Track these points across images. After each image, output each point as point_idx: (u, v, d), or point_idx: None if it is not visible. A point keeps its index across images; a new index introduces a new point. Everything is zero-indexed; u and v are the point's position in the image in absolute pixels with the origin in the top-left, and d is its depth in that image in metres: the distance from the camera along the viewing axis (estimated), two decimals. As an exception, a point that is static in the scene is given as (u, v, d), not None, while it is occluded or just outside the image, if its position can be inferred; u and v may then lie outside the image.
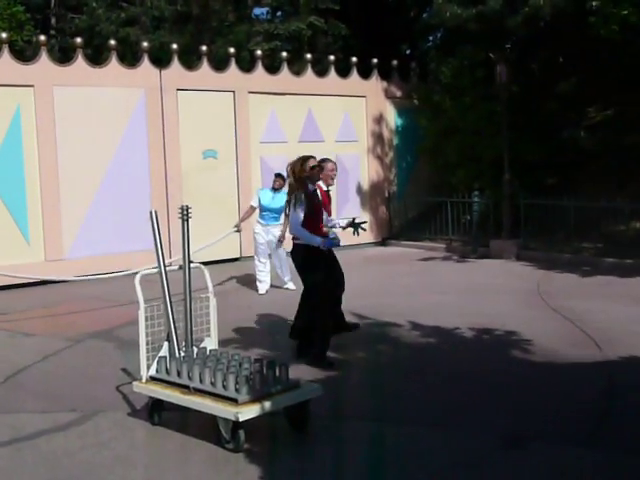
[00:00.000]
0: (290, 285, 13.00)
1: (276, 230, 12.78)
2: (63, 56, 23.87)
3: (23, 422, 6.85)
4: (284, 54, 18.35)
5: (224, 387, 6.09)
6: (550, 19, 17.09)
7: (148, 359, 6.70)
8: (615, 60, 17.53)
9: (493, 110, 17.85)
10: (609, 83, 18.15)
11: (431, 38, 24.24)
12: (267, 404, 6.02)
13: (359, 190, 19.12)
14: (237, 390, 6.02)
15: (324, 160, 9.11)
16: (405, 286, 13.19)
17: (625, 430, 6.34)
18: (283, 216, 12.76)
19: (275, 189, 12.76)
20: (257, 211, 12.99)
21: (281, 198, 12.70)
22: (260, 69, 17.57)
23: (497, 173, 17.40)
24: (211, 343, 7.06)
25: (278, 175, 12.74)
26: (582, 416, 6.66)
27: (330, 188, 9.32)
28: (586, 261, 15.15)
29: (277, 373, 6.29)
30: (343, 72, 18.94)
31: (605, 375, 7.87)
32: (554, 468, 5.60)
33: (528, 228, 16.84)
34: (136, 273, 6.95)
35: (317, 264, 8.42)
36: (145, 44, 16.52)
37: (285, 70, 17.94)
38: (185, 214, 6.91)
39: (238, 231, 13.55)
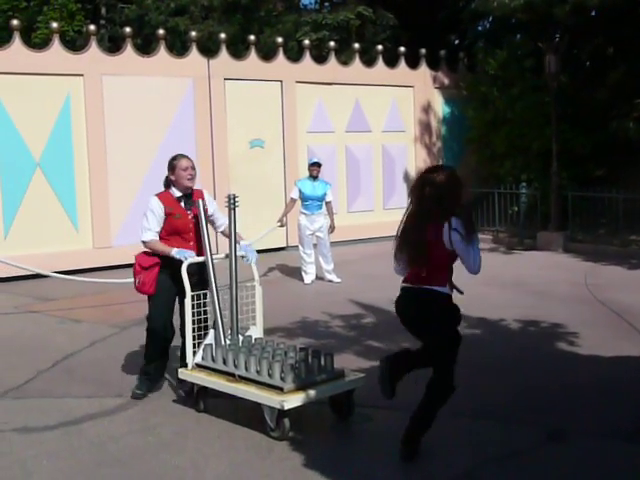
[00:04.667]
0: (334, 278, 13.01)
1: (321, 218, 12.86)
2: (113, 46, 24.06)
3: (70, 407, 6.95)
4: (332, 44, 18.35)
5: (269, 375, 6.12)
6: (599, 8, 16.89)
7: (194, 346, 6.75)
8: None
9: (542, 101, 17.71)
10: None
11: (480, 28, 24.05)
12: (312, 393, 6.04)
13: (406, 180, 19.06)
14: (282, 378, 6.05)
15: (176, 157, 7.11)
16: (451, 277, 13.12)
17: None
18: (324, 204, 12.90)
19: (314, 177, 12.83)
20: (299, 202, 13.01)
21: (321, 186, 12.82)
22: (308, 59, 17.58)
23: (545, 164, 17.28)
24: (256, 331, 7.09)
25: (315, 164, 12.88)
26: (627, 411, 6.59)
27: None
28: (634, 253, 14.99)
29: (322, 362, 6.31)
30: (391, 62, 18.89)
31: (653, 369, 7.80)
32: (596, 462, 5.56)
33: (576, 220, 16.70)
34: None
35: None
36: (194, 34, 16.61)
37: (333, 60, 17.93)
38: (232, 203, 6.95)
39: (282, 226, 13.56)
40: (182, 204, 7.03)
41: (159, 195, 7.03)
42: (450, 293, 5.69)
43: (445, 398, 5.67)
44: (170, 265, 6.87)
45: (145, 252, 7.03)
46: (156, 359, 7.19)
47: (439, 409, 5.67)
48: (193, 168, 7.05)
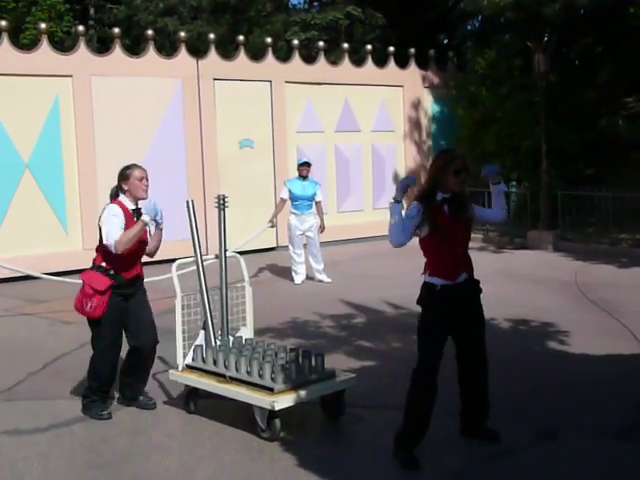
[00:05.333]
0: (324, 278, 13.01)
1: (311, 218, 12.86)
2: (101, 46, 24.02)
3: (61, 408, 6.94)
4: (321, 44, 18.34)
5: (260, 376, 6.12)
6: (588, 7, 16.92)
7: (184, 348, 6.74)
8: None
9: (531, 100, 17.73)
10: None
11: (469, 27, 24.08)
12: (303, 393, 6.04)
13: (395, 179, 19.07)
14: (273, 379, 6.05)
15: (130, 167, 6.79)
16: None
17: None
18: (314, 204, 12.90)
19: (304, 177, 12.83)
20: (288, 203, 13.00)
21: (311, 185, 12.82)
22: (297, 59, 17.58)
23: (535, 163, 17.30)
24: (247, 332, 7.09)
25: (304, 164, 12.88)
26: (619, 409, 6.60)
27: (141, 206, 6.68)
28: (624, 252, 15.02)
29: (313, 362, 6.30)
30: (380, 62, 18.89)
31: (643, 367, 7.82)
32: (588, 460, 5.57)
33: (566, 219, 16.73)
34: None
35: (433, 318, 5.57)
36: (183, 34, 16.59)
37: (322, 60, 17.92)
38: (222, 203, 6.94)
39: (272, 226, 13.55)
40: (135, 218, 6.56)
41: (118, 204, 6.62)
42: (441, 284, 5.49)
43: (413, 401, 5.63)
44: (121, 286, 6.55)
45: (95, 271, 6.55)
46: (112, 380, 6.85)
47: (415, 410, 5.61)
48: (147, 179, 6.71)
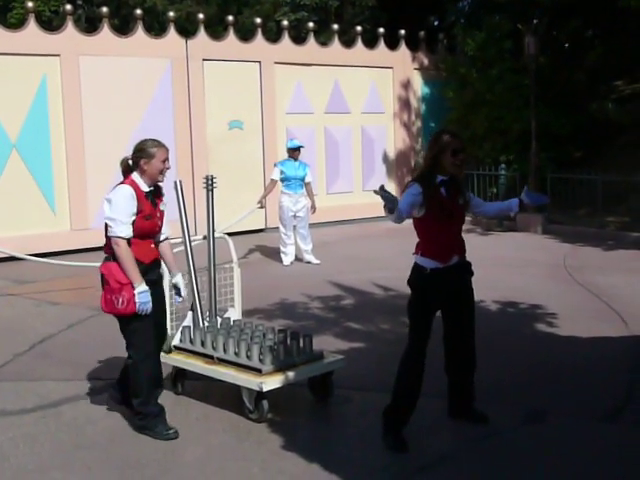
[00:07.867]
0: (312, 259, 12.99)
1: (302, 199, 12.84)
2: (89, 26, 23.88)
3: (48, 389, 6.91)
4: (311, 24, 18.24)
5: (248, 357, 6.10)
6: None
7: (172, 329, 6.72)
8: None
9: (521, 82, 17.71)
10: (638, 55, 17.93)
11: (459, 7, 23.96)
12: (290, 375, 6.03)
13: (385, 161, 19.04)
14: (261, 360, 6.04)
15: (155, 144, 5.91)
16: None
17: (650, 405, 6.30)
18: (304, 185, 12.91)
19: (295, 159, 12.80)
20: (279, 184, 12.95)
21: (302, 167, 12.81)
22: (286, 39, 17.49)
23: (524, 146, 17.28)
24: (235, 313, 7.08)
25: (295, 149, 12.80)
26: (607, 391, 6.61)
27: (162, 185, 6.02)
28: (612, 235, 15.04)
29: (301, 344, 6.29)
30: (370, 43, 18.83)
31: (631, 350, 7.83)
32: (576, 442, 5.58)
33: (555, 201, 16.72)
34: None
35: (425, 300, 5.60)
36: (171, 14, 16.50)
37: (312, 41, 17.84)
38: (210, 184, 6.91)
39: (261, 207, 13.52)
40: (149, 201, 5.80)
41: (131, 184, 5.76)
42: (431, 266, 5.48)
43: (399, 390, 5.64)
44: (148, 271, 5.82)
45: (112, 262, 5.70)
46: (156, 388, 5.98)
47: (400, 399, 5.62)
48: (169, 160, 5.90)
